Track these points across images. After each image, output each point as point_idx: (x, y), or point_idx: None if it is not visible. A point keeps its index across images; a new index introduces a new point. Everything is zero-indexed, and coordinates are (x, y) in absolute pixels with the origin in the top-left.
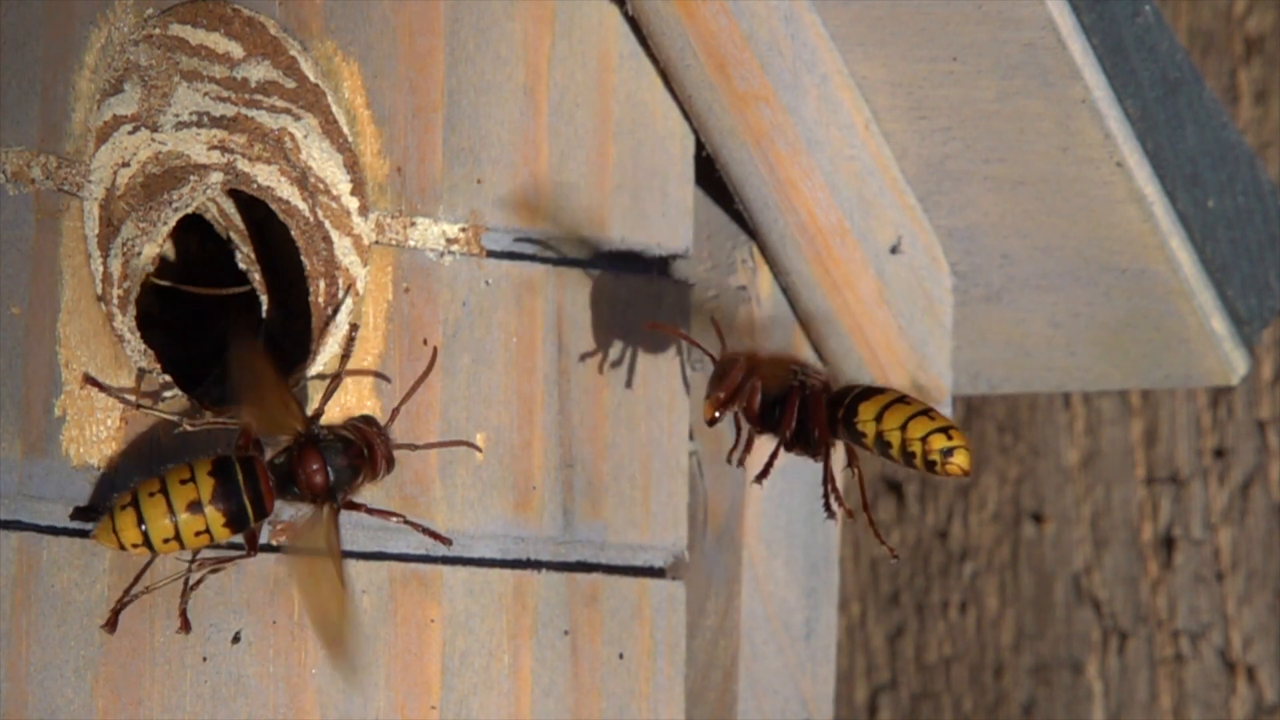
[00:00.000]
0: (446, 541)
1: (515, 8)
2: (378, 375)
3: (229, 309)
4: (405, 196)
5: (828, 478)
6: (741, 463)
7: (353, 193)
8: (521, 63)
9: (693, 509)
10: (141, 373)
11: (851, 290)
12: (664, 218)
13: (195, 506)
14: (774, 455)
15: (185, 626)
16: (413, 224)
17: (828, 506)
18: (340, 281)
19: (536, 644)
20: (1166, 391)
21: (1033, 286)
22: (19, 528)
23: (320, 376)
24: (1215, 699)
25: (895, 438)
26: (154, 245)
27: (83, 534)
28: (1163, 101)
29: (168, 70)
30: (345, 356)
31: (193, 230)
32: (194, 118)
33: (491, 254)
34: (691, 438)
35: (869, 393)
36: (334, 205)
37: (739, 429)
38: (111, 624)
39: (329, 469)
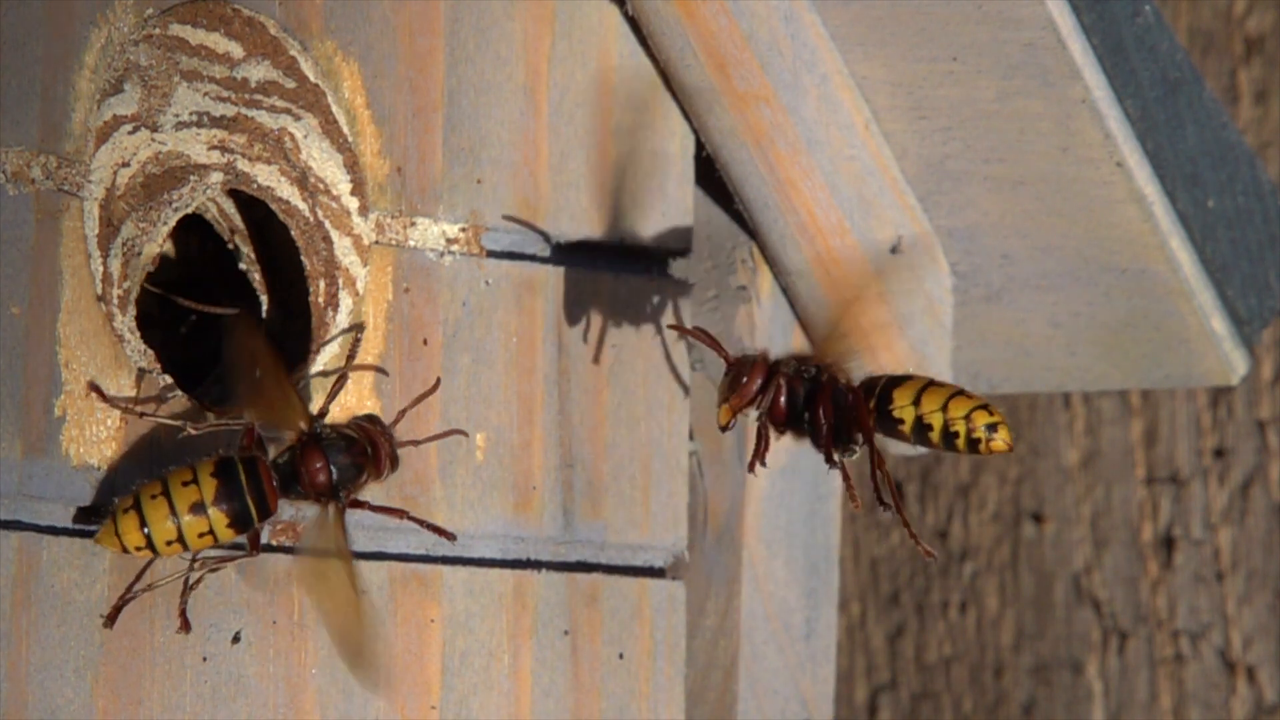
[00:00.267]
0: (450, 537)
1: (515, 8)
2: (377, 369)
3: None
4: (405, 196)
5: (875, 470)
6: (763, 465)
7: (353, 193)
8: (521, 63)
9: (693, 509)
10: (142, 373)
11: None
12: (664, 218)
13: (198, 508)
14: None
15: (185, 626)
16: (413, 224)
17: (880, 500)
18: (340, 281)
19: (536, 644)
20: (1166, 391)
21: (1033, 286)
22: (19, 528)
23: (322, 374)
24: (1215, 699)
25: (937, 419)
26: (154, 245)
27: (83, 534)
28: (1163, 101)
29: (168, 70)
30: (350, 357)
31: (193, 230)
32: (194, 118)
33: (491, 254)
34: (691, 438)
35: (897, 380)
36: (334, 205)
37: (759, 433)
38: (111, 619)
39: (332, 467)
